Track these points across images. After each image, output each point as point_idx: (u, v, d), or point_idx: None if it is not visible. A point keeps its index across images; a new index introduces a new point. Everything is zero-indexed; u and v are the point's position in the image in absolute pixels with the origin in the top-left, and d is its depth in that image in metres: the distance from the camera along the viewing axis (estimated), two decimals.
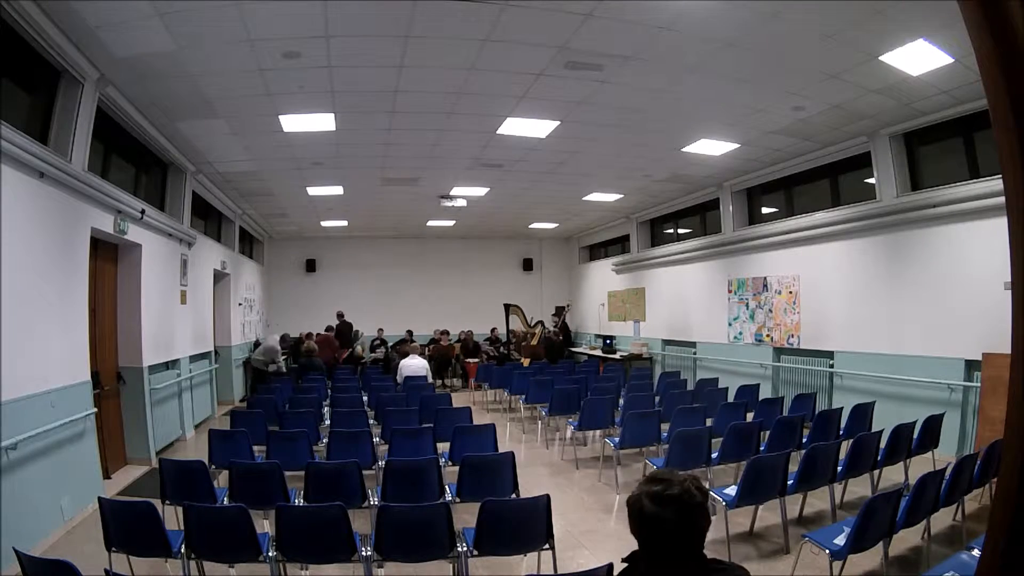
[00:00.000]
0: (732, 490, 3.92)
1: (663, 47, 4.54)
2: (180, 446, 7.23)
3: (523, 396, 8.28)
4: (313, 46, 4.45)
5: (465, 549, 3.06)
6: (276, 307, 14.31)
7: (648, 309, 12.04)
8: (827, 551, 3.03)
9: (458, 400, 7.47)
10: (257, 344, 11.90)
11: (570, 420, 6.77)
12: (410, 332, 13.21)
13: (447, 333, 12.99)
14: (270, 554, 2.98)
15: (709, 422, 5.56)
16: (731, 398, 6.98)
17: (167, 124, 6.17)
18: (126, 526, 3.06)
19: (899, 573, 3.54)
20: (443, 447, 4.86)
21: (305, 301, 14.35)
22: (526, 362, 11.58)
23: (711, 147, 7.26)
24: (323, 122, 6.11)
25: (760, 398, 6.78)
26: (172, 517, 3.62)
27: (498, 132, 6.55)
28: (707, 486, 4.27)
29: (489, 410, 9.48)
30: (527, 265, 15.84)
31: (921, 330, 6.28)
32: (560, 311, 14.85)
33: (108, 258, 5.96)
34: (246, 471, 3.84)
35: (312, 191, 9.36)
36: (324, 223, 12.60)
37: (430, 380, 8.21)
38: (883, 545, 3.26)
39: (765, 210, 9.14)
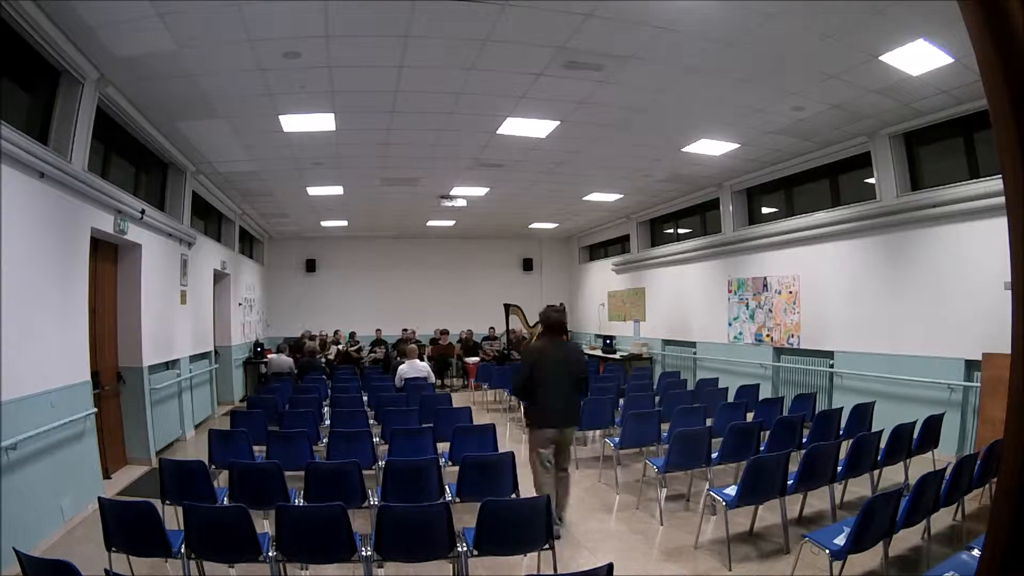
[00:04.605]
0: (732, 490, 3.92)
1: (663, 47, 4.54)
2: (180, 446, 7.23)
3: None
4: (313, 46, 4.45)
5: (465, 549, 3.06)
6: (276, 307, 14.30)
7: (648, 309, 12.03)
8: (827, 551, 3.03)
9: (458, 400, 7.47)
10: (258, 345, 11.90)
11: None
12: (405, 330, 13.12)
13: (447, 333, 12.99)
14: (270, 554, 2.97)
15: (709, 422, 5.56)
16: (731, 398, 6.97)
17: (167, 124, 6.17)
18: (126, 526, 3.06)
19: (899, 573, 3.54)
20: (443, 447, 4.86)
21: (305, 301, 14.38)
22: None
23: (711, 147, 7.25)
24: (323, 122, 6.11)
25: (760, 398, 6.77)
26: (172, 517, 3.61)
27: (498, 132, 6.55)
28: (707, 486, 4.30)
29: (489, 410, 9.47)
30: (527, 265, 15.83)
31: (921, 330, 6.28)
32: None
33: (108, 258, 5.96)
34: (246, 471, 3.83)
35: (312, 191, 9.36)
36: (324, 223, 12.60)
37: (432, 380, 8.18)
38: (883, 545, 3.26)
39: (765, 210, 9.14)
